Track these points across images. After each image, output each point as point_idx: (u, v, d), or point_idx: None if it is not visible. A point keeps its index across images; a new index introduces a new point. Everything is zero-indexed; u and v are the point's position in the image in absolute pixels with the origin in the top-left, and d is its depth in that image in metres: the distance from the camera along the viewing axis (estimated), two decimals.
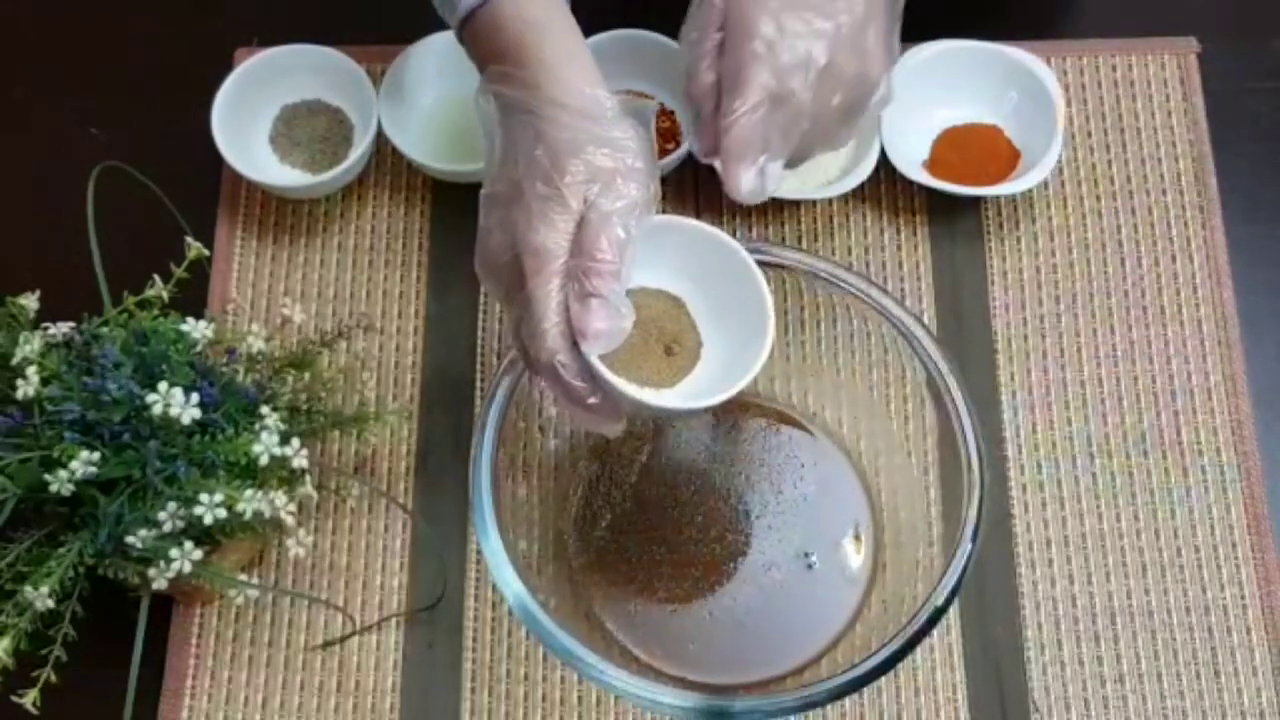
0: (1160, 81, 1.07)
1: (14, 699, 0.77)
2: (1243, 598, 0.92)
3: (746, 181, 0.74)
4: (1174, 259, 1.01)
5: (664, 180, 1.04)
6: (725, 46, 0.77)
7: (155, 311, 0.84)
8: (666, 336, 0.77)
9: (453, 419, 0.97)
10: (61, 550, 0.79)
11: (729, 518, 0.92)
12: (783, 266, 0.86)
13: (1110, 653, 0.91)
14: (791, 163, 0.80)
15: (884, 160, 1.01)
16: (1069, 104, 1.05)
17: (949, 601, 0.77)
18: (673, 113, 1.05)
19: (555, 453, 0.92)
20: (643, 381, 0.75)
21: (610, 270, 0.70)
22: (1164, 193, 1.03)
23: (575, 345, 0.71)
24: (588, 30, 1.02)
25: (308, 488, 0.84)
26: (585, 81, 0.74)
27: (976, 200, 1.03)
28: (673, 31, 1.03)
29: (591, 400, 0.72)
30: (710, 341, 0.78)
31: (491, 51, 0.76)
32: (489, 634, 0.92)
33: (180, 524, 0.78)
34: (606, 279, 0.70)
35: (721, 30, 0.77)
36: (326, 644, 0.92)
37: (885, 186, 1.03)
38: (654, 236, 0.74)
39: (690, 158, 1.02)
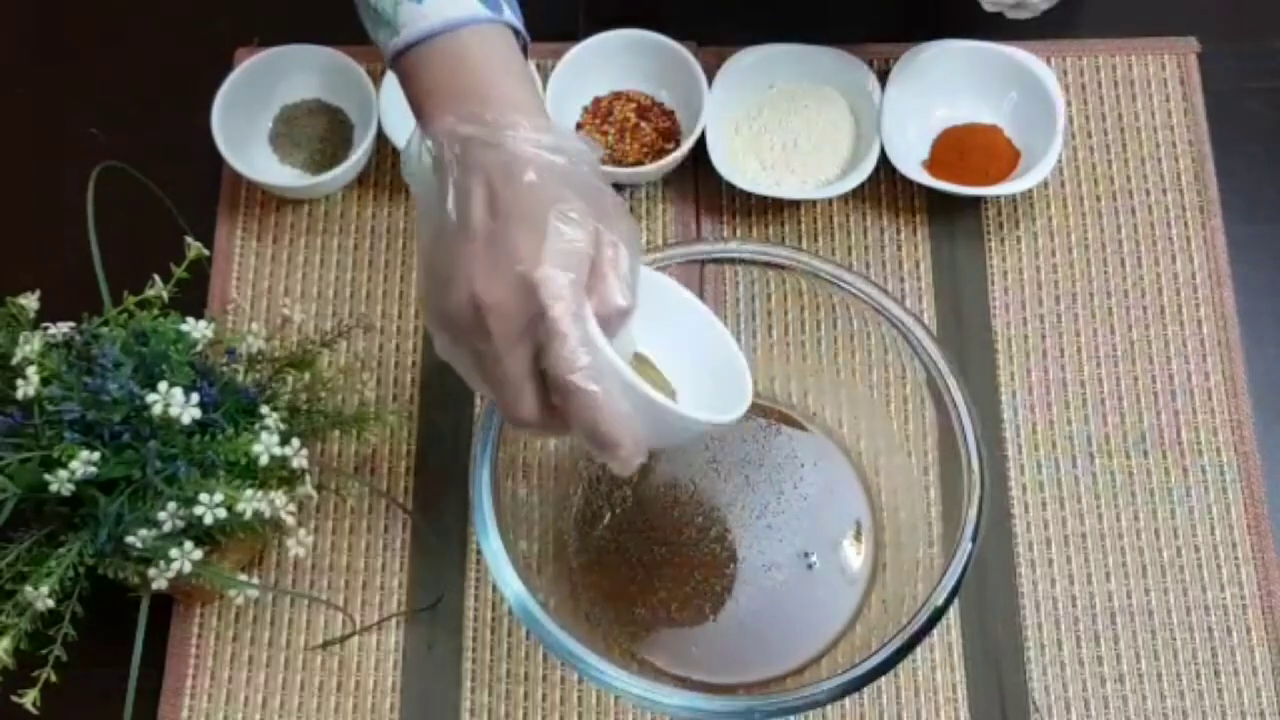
0: (1160, 81, 1.07)
1: (14, 699, 0.77)
2: (1243, 598, 0.92)
3: None
4: (1174, 259, 1.01)
5: (664, 180, 1.04)
6: None
7: (155, 311, 0.84)
8: None
9: (453, 419, 0.97)
10: (61, 550, 0.79)
11: (729, 518, 0.92)
12: (783, 267, 0.86)
13: (1110, 653, 0.91)
14: None
15: (884, 160, 1.01)
16: (1069, 104, 1.05)
17: (949, 601, 0.77)
18: (673, 112, 1.05)
19: (555, 453, 0.92)
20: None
21: (627, 286, 0.69)
22: (1164, 193, 1.03)
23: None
24: (587, 30, 1.03)
25: (308, 488, 0.84)
26: (552, 124, 0.71)
27: (976, 200, 1.03)
28: (675, 32, 1.04)
29: (625, 424, 0.68)
30: (683, 389, 0.77)
31: (447, 87, 0.72)
32: (489, 634, 0.92)
33: (180, 524, 0.78)
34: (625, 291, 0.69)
35: None
36: (326, 644, 0.92)
37: (885, 186, 1.03)
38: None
39: (690, 157, 1.02)
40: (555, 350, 0.66)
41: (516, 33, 0.74)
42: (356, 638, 0.92)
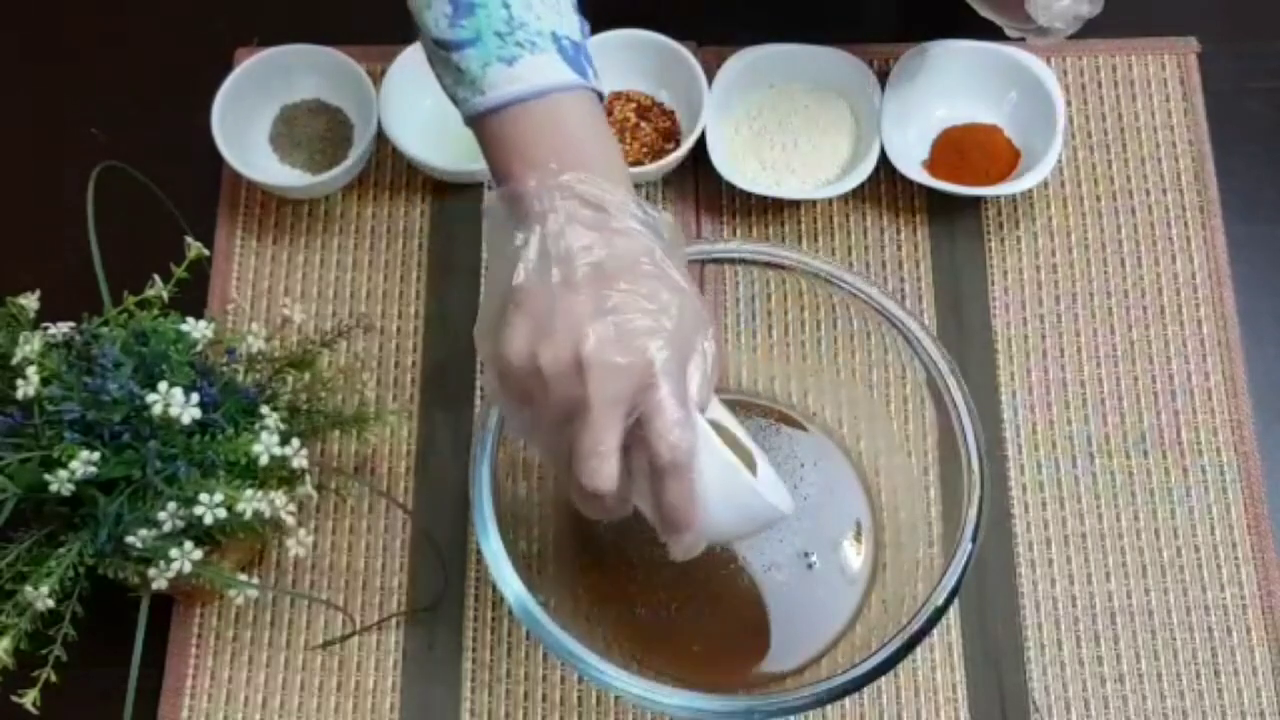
0: (1160, 81, 1.07)
1: (14, 699, 0.77)
2: (1243, 598, 0.92)
3: None
4: (1174, 259, 1.01)
5: (664, 180, 1.04)
6: None
7: (155, 311, 0.84)
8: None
9: (453, 419, 0.97)
10: (61, 550, 0.79)
11: None
12: (783, 267, 0.86)
13: (1110, 653, 0.91)
14: None
15: (884, 160, 1.01)
16: (1069, 104, 1.05)
17: (949, 601, 0.77)
18: (673, 112, 1.05)
19: None
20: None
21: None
22: (1164, 193, 1.03)
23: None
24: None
25: (308, 488, 0.84)
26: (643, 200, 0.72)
27: (976, 200, 1.03)
28: (675, 32, 1.04)
29: (702, 508, 0.70)
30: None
31: (543, 149, 0.71)
32: (489, 634, 0.92)
33: (180, 524, 0.78)
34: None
35: None
36: (326, 644, 0.92)
37: (885, 186, 1.03)
38: None
39: (690, 157, 1.02)
40: (662, 426, 0.67)
41: (600, 96, 0.74)
42: (356, 638, 0.92)
